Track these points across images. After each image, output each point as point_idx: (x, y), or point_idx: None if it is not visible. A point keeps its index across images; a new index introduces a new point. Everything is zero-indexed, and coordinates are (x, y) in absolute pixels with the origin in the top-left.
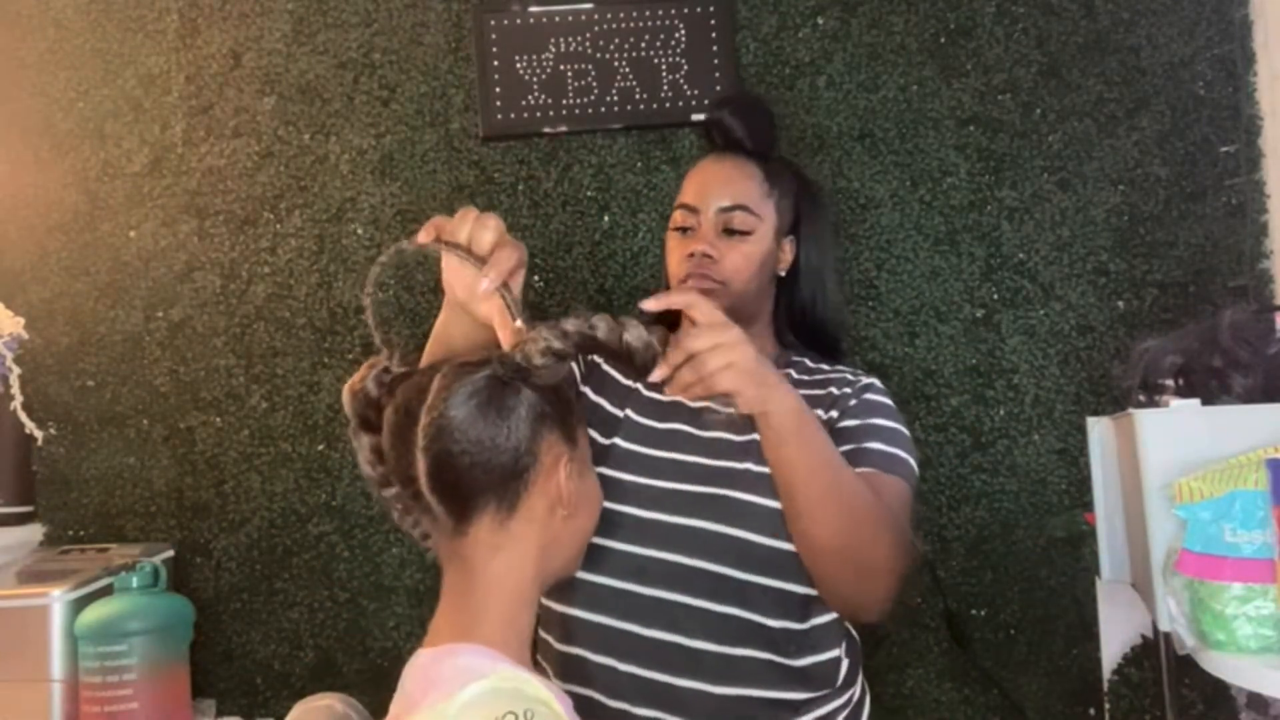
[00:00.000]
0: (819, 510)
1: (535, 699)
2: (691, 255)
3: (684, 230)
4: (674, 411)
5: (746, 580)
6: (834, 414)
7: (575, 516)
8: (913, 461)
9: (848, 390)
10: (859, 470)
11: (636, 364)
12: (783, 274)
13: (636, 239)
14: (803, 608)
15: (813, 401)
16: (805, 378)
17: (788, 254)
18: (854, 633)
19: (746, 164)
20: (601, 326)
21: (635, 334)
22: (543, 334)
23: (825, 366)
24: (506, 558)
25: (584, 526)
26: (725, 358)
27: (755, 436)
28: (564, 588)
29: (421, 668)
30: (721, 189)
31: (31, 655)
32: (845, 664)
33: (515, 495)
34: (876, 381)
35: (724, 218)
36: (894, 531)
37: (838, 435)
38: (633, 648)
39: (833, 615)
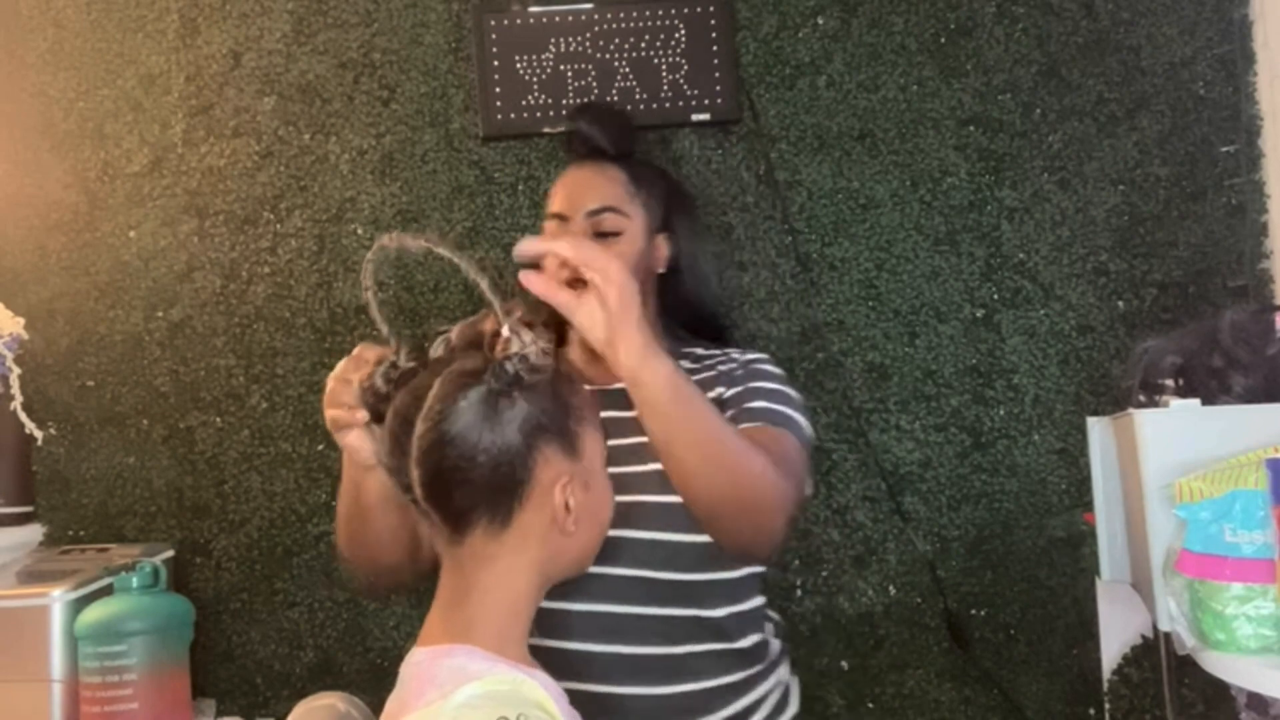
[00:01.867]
0: (701, 475)
1: (531, 702)
2: (564, 264)
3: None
4: None
5: (684, 580)
6: (721, 389)
7: (580, 529)
8: (802, 421)
9: (734, 365)
10: (745, 426)
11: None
12: (662, 270)
13: None
14: (739, 590)
15: (705, 384)
16: (697, 365)
17: (663, 251)
18: (776, 616)
19: (609, 167)
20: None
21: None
22: (535, 333)
23: (716, 352)
24: (502, 567)
25: (591, 537)
26: (605, 291)
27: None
28: None
29: (416, 666)
30: (587, 194)
31: (31, 655)
32: (773, 645)
33: (509, 510)
34: (764, 356)
35: (593, 221)
36: (780, 480)
37: (725, 405)
38: (570, 663)
39: (762, 599)
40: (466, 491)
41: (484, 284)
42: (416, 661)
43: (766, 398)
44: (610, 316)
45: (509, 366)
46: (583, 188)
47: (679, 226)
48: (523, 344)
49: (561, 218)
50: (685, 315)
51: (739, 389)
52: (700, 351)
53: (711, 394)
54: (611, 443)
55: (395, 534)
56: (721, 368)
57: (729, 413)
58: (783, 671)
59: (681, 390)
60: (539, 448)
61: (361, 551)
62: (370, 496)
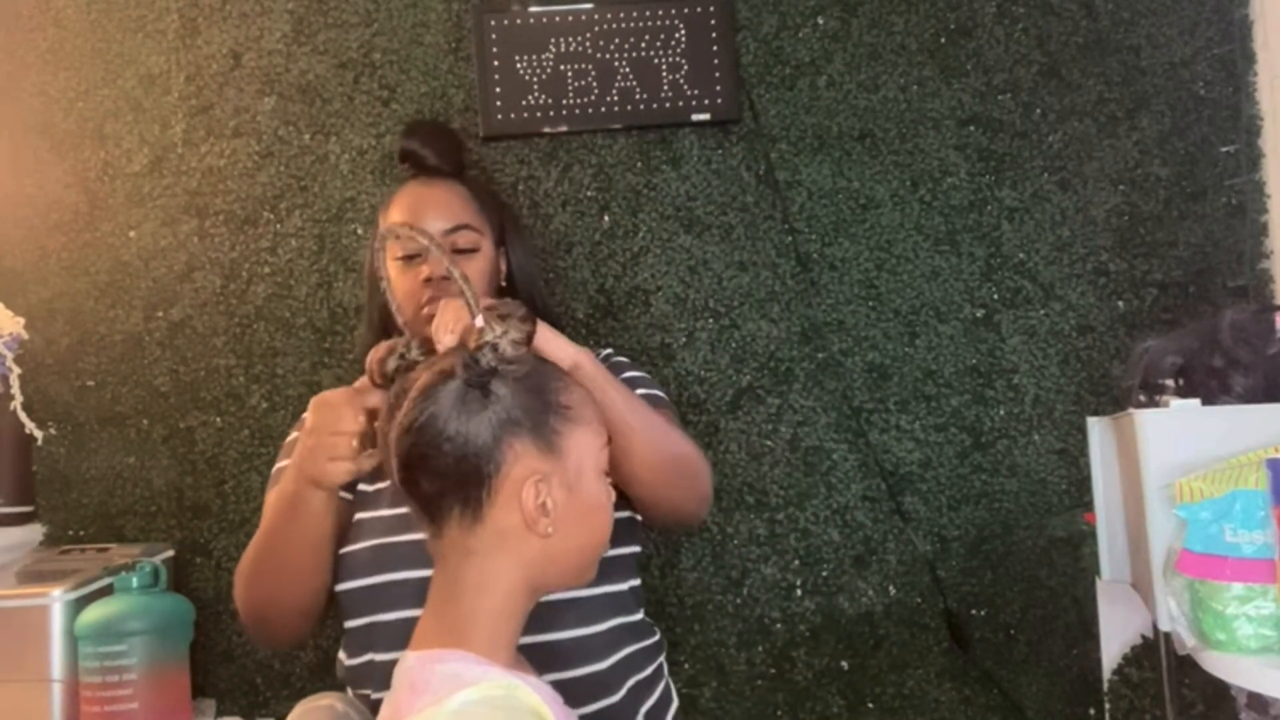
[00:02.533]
0: (645, 438)
1: (526, 708)
2: (428, 280)
3: (409, 258)
4: None
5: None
6: None
7: (562, 533)
8: (664, 396)
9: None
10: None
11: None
12: (504, 284)
13: (636, 239)
14: (636, 564)
15: None
16: None
17: (501, 264)
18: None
19: (453, 184)
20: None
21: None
22: (509, 325)
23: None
24: (481, 564)
25: (581, 543)
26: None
27: None
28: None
29: (409, 670)
30: (439, 211)
31: (31, 655)
32: (655, 630)
33: (478, 503)
34: (608, 350)
35: (449, 239)
36: (688, 442)
37: None
38: None
39: (638, 580)
40: (433, 479)
41: (456, 274)
42: (409, 666)
43: (643, 385)
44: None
45: (480, 357)
46: (434, 205)
47: (511, 241)
48: (494, 334)
49: (410, 245)
50: None
51: None
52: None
53: None
54: None
55: (324, 566)
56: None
57: None
58: (664, 644)
59: (610, 374)
60: (509, 442)
61: (278, 590)
62: (317, 520)
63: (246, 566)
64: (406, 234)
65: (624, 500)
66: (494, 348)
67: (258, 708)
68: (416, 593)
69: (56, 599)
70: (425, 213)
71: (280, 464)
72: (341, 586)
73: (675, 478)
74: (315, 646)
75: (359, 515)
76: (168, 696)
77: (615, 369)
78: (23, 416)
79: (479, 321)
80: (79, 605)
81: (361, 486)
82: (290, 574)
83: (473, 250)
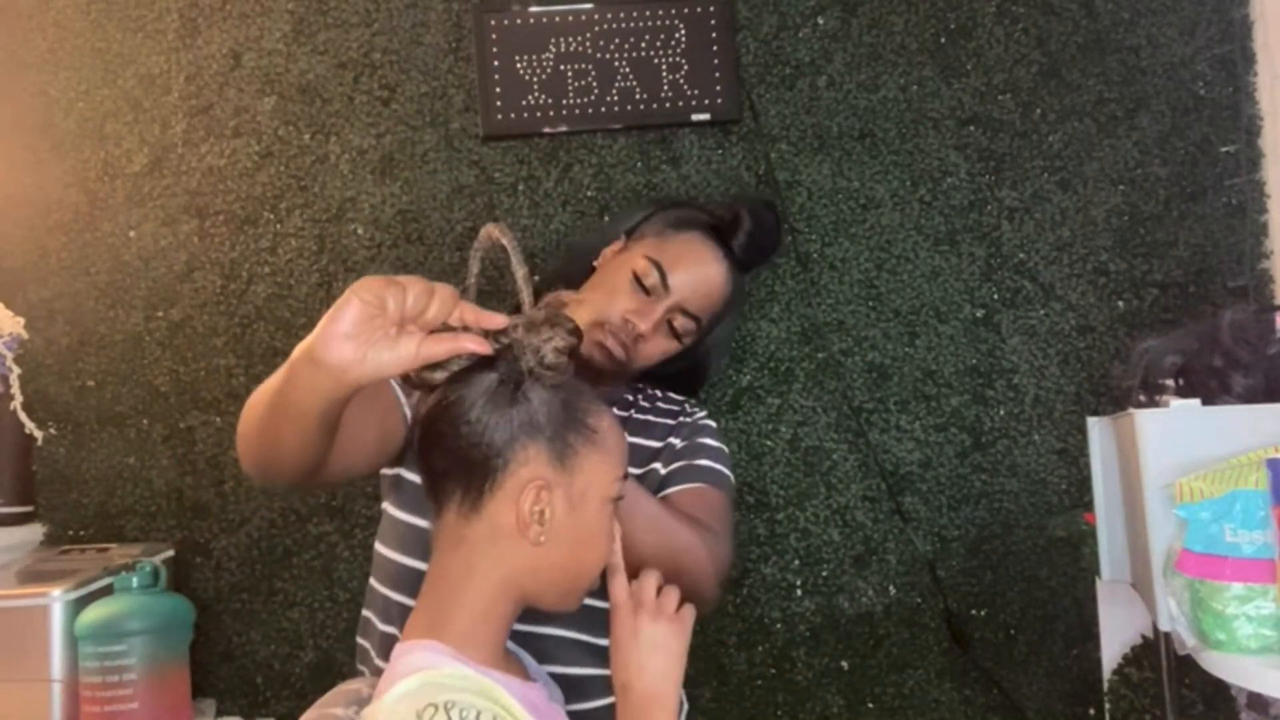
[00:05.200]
0: (639, 552)
1: (471, 691)
2: (627, 322)
3: (643, 288)
4: None
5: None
6: (674, 440)
7: (553, 547)
8: (732, 476)
9: (686, 419)
10: (692, 485)
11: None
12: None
13: None
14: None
15: (662, 430)
16: (649, 404)
17: (689, 341)
18: None
19: (731, 277)
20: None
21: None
22: (556, 333)
23: (659, 393)
24: (469, 556)
25: (569, 564)
26: None
27: None
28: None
29: (392, 660)
30: (698, 296)
31: (31, 655)
32: None
33: (479, 493)
34: (703, 410)
35: (675, 312)
36: (707, 545)
37: (674, 454)
38: None
39: None
40: (443, 457)
41: (520, 275)
42: (393, 655)
43: (711, 456)
44: None
45: (521, 357)
46: (700, 284)
47: (719, 332)
48: (541, 338)
49: (664, 283)
50: (680, 377)
51: (688, 442)
52: (650, 391)
53: (664, 441)
54: None
55: (314, 446)
56: (681, 419)
57: (675, 465)
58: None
59: (644, 492)
60: (523, 443)
61: (263, 440)
62: (301, 398)
63: (249, 403)
64: (497, 235)
65: None
66: (536, 350)
67: (258, 708)
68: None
69: (56, 599)
70: (691, 284)
71: None
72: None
73: (664, 571)
74: (315, 646)
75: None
76: (168, 696)
77: (700, 430)
78: (23, 416)
79: (526, 318)
80: (79, 605)
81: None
82: (268, 434)
83: (676, 337)
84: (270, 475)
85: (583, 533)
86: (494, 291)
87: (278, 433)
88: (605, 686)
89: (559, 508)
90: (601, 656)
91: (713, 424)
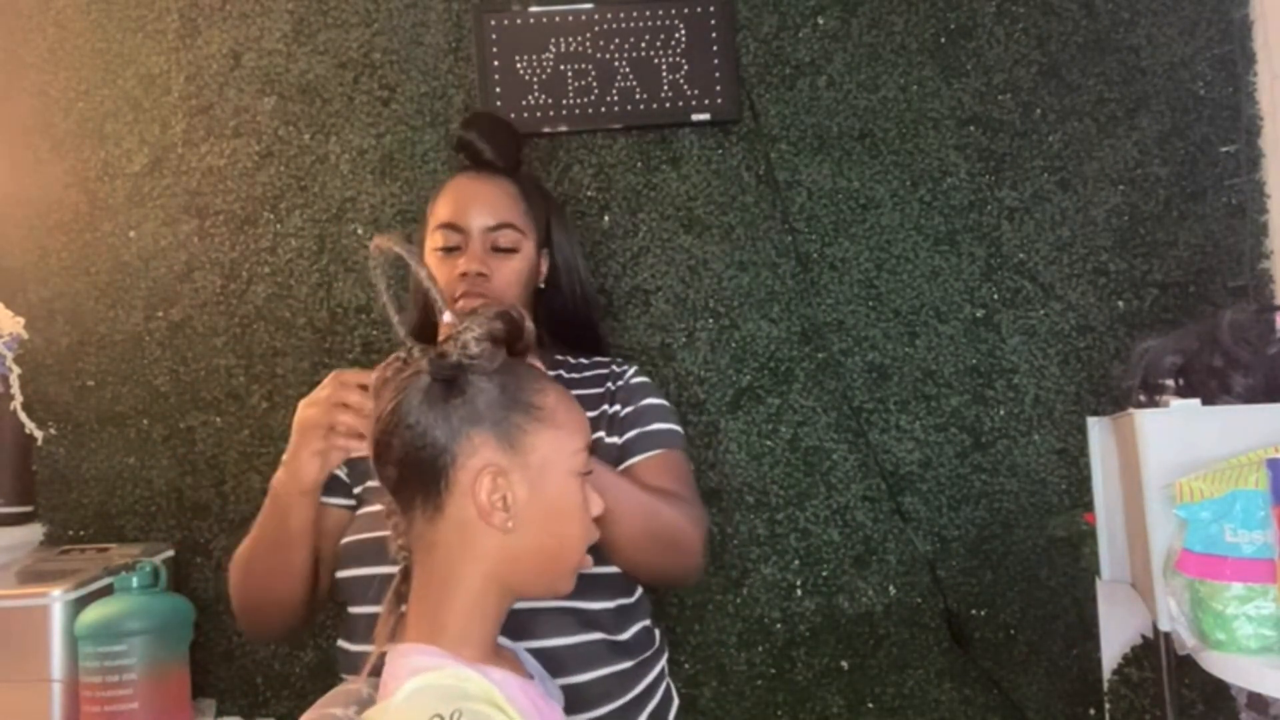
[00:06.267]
0: (633, 542)
1: (475, 696)
2: (464, 275)
3: (448, 250)
4: None
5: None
6: (614, 407)
7: (525, 531)
8: (681, 429)
9: (620, 383)
10: (653, 454)
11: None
12: (543, 285)
13: (636, 239)
14: (624, 585)
15: (593, 400)
16: (576, 375)
17: (544, 266)
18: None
19: (503, 181)
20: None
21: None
22: (473, 321)
23: (585, 360)
24: (445, 558)
25: (545, 544)
26: None
27: None
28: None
29: (388, 664)
30: (485, 208)
31: (31, 655)
32: (656, 633)
33: (437, 493)
34: (636, 367)
35: (491, 236)
36: (690, 517)
37: (621, 423)
38: None
39: (640, 589)
40: (395, 466)
41: (423, 274)
42: (389, 659)
43: (660, 418)
44: None
45: (446, 352)
46: (480, 201)
47: (559, 241)
48: (460, 329)
49: (455, 228)
50: (562, 328)
51: (632, 409)
52: (574, 361)
53: (598, 410)
54: None
55: (305, 566)
56: (610, 385)
57: (629, 434)
58: (663, 663)
59: (609, 475)
60: (467, 435)
61: (268, 583)
62: (297, 522)
63: (238, 561)
64: (387, 247)
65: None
66: (459, 343)
67: (258, 708)
68: None
69: (56, 599)
70: (472, 206)
71: None
72: (343, 574)
73: (658, 553)
74: (315, 646)
75: (362, 510)
76: (168, 696)
77: (637, 391)
78: (23, 416)
79: (446, 318)
80: (79, 605)
81: (369, 482)
82: (274, 572)
83: (512, 250)
84: (277, 622)
85: (551, 511)
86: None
87: (286, 569)
88: (594, 656)
89: (519, 491)
90: (589, 623)
91: (646, 379)
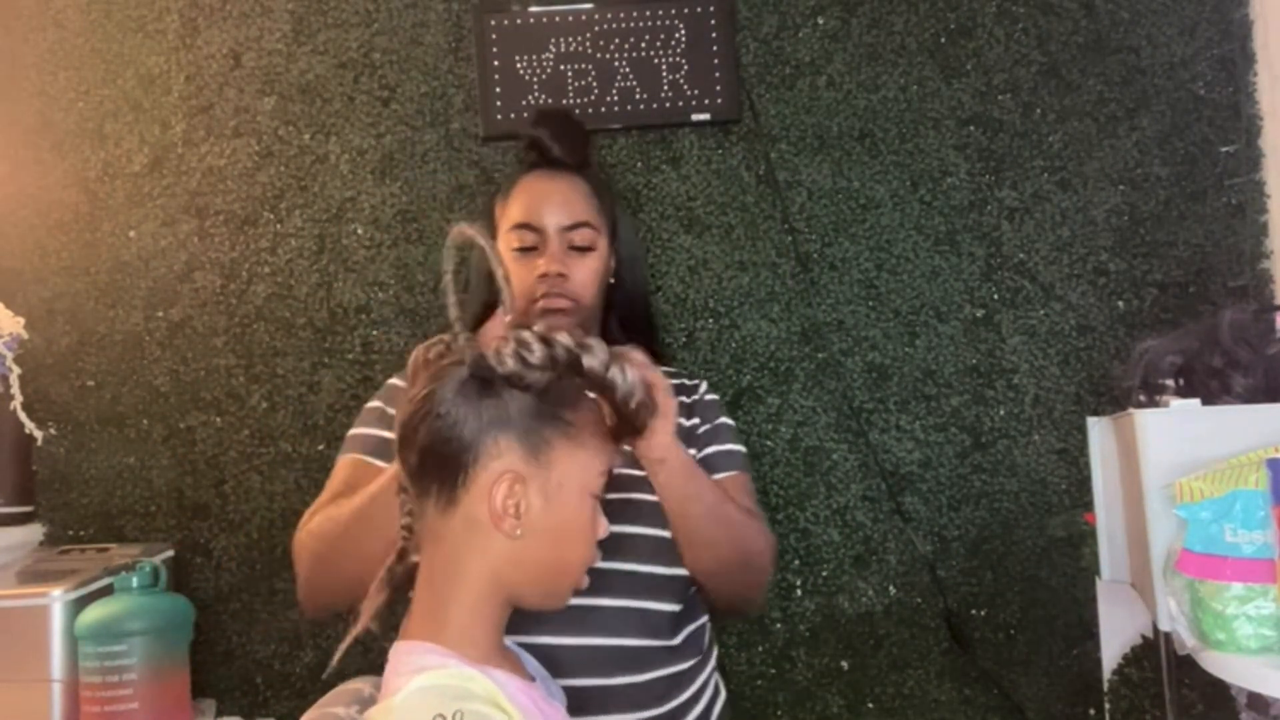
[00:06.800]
0: (708, 536)
1: (477, 696)
2: (544, 275)
3: (525, 250)
4: None
5: (643, 571)
6: (695, 420)
7: (532, 541)
8: (745, 449)
9: (696, 397)
10: (729, 474)
11: (619, 404)
12: (613, 281)
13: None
14: (683, 588)
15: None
16: None
17: (613, 262)
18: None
19: (575, 179)
20: (597, 355)
21: (627, 378)
22: (524, 337)
23: (664, 370)
24: (451, 552)
25: (550, 558)
26: (670, 405)
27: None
28: None
29: (390, 661)
30: (560, 207)
31: (31, 655)
32: (708, 633)
33: (453, 487)
34: (702, 381)
35: (567, 236)
36: (763, 533)
37: (698, 439)
38: (549, 655)
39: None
40: (417, 452)
41: (500, 273)
42: (391, 656)
43: (733, 438)
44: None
45: (490, 354)
46: (555, 200)
47: (622, 235)
48: (509, 341)
49: (531, 228)
50: (630, 325)
51: (709, 426)
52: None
53: (684, 422)
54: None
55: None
56: (683, 398)
57: (707, 450)
58: (713, 665)
59: (693, 470)
60: (494, 437)
61: (360, 553)
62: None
63: (319, 532)
64: (469, 239)
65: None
66: (500, 354)
67: (258, 708)
68: None
69: (56, 599)
70: (547, 206)
71: (356, 430)
72: None
73: (739, 573)
74: (315, 646)
75: None
76: (168, 696)
77: (711, 408)
78: (23, 416)
79: (506, 319)
80: (79, 605)
81: None
82: (368, 558)
83: (589, 249)
84: (341, 595)
85: (561, 526)
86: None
87: (360, 552)
88: (660, 658)
89: (534, 500)
90: (653, 627)
91: (716, 397)
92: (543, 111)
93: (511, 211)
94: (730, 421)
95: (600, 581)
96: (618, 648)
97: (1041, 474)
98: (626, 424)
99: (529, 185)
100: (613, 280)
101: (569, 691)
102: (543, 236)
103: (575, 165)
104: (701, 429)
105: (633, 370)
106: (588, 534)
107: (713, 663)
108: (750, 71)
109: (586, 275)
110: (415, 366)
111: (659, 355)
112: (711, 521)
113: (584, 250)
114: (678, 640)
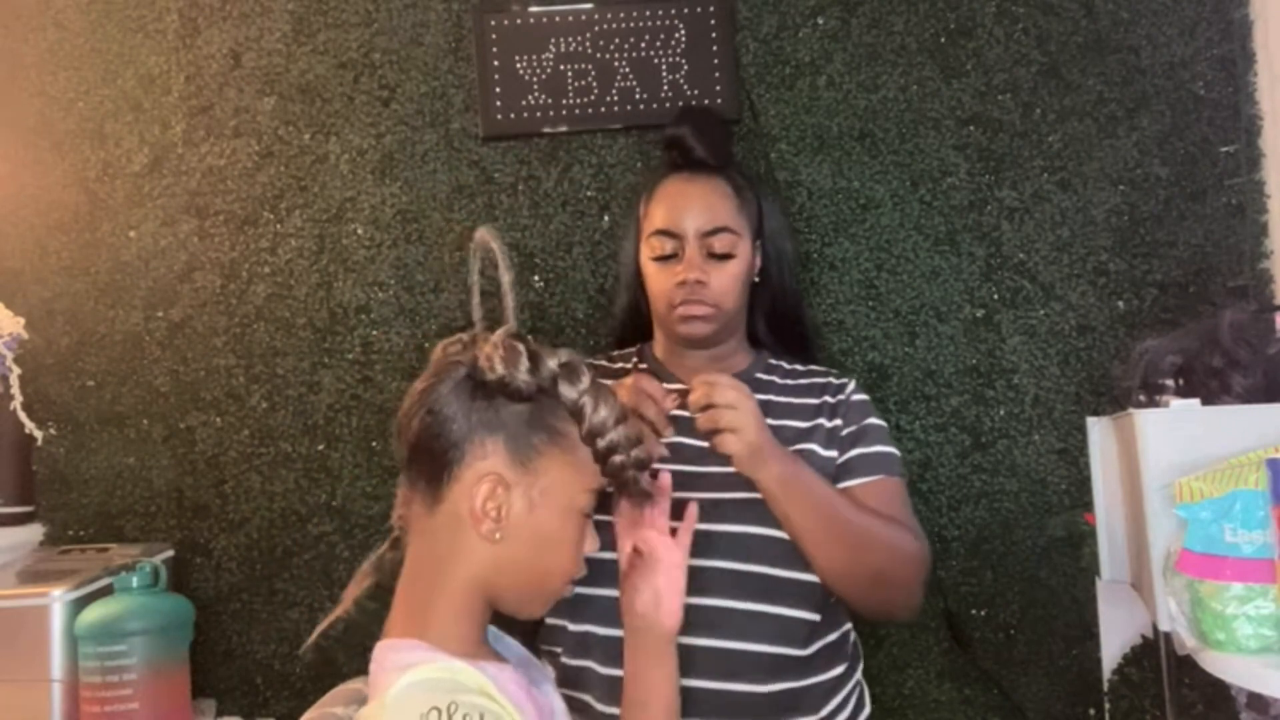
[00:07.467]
0: (825, 549)
1: (469, 688)
2: (683, 283)
3: (665, 258)
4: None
5: (773, 575)
6: (838, 421)
7: (513, 545)
8: (898, 453)
9: (842, 397)
10: (874, 478)
11: (584, 437)
12: (757, 280)
13: None
14: (820, 596)
15: (808, 411)
16: (790, 383)
17: (757, 261)
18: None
19: (716, 181)
20: (576, 384)
21: (599, 414)
22: (514, 347)
23: (800, 368)
24: (434, 549)
25: (529, 566)
26: (735, 422)
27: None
28: (574, 606)
29: (376, 660)
30: (699, 212)
31: (31, 655)
32: (853, 638)
33: (438, 483)
34: (850, 379)
35: (707, 242)
36: (905, 542)
37: (841, 440)
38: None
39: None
40: (409, 444)
41: (506, 280)
42: (375, 656)
43: (881, 440)
44: (746, 445)
45: (482, 363)
46: (695, 205)
47: (769, 230)
48: (497, 349)
49: (671, 235)
50: (775, 324)
51: (855, 427)
52: (785, 366)
53: (813, 422)
54: (685, 440)
55: None
56: (829, 399)
57: (850, 453)
58: (859, 676)
59: (790, 486)
60: (482, 438)
61: None
62: None
63: None
64: (487, 244)
65: None
66: (488, 358)
67: (258, 708)
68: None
69: (56, 599)
70: (686, 211)
71: None
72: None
73: (867, 586)
74: (315, 646)
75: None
76: (168, 696)
77: (858, 408)
78: (23, 416)
79: (498, 340)
80: (79, 605)
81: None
82: None
83: (728, 255)
84: None
85: (542, 536)
86: (494, 290)
87: None
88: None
89: (516, 506)
90: (782, 632)
91: (866, 397)
92: (684, 109)
93: (653, 217)
94: (880, 422)
95: (727, 583)
96: (739, 652)
97: (1041, 474)
98: (598, 457)
99: (668, 189)
100: (758, 279)
101: (686, 693)
102: (681, 242)
103: (717, 166)
104: (845, 430)
105: (609, 409)
106: (571, 545)
107: (854, 680)
108: (750, 71)
109: (726, 282)
110: (433, 361)
111: (810, 355)
112: (827, 535)
113: (723, 258)
114: (809, 651)
